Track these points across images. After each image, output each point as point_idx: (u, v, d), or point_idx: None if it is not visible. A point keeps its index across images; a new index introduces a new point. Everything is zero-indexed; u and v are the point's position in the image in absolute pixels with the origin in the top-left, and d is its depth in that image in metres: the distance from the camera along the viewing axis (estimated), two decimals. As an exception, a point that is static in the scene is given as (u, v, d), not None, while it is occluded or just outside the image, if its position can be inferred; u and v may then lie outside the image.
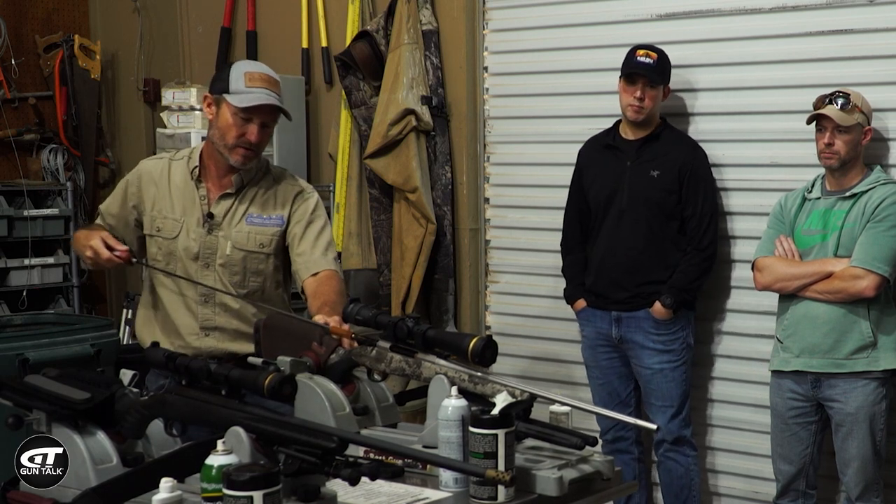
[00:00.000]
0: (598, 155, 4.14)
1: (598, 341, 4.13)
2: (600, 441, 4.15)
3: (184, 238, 3.02)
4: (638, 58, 3.94)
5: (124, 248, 2.91)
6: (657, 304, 3.95)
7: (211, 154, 3.04)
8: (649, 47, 3.97)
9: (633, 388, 4.15)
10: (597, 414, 2.30)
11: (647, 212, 3.98)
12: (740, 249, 4.10)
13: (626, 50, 4.27)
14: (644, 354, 4.02)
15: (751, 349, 4.09)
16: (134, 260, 2.95)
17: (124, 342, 5.01)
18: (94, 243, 2.90)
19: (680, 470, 4.06)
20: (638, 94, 3.93)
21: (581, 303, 4.16)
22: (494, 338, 2.26)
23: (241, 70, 2.96)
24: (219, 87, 2.96)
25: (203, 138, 4.98)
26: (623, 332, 4.04)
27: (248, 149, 2.95)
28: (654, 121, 4.03)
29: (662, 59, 3.96)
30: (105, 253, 2.88)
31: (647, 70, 3.92)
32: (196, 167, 3.04)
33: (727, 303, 4.17)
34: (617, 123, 4.12)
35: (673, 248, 4.00)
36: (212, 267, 3.01)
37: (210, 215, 3.02)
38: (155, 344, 2.41)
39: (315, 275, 2.96)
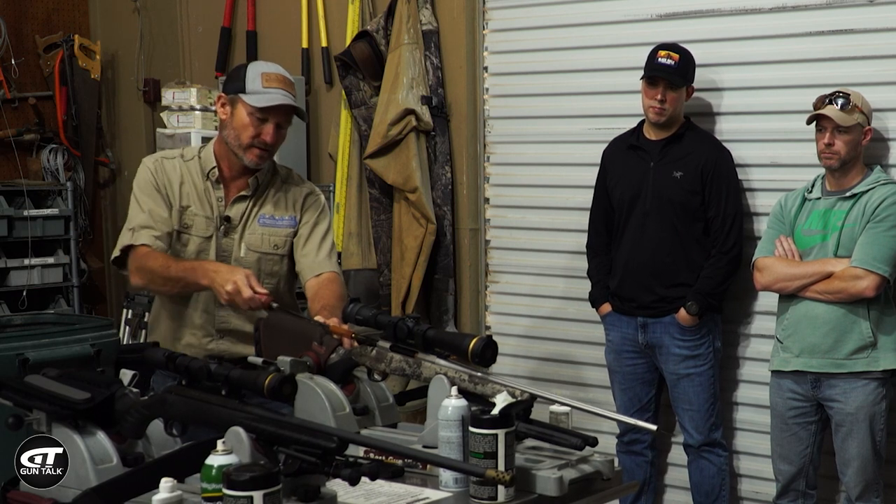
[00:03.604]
0: (622, 156, 4.10)
1: (623, 346, 4.10)
2: (616, 441, 4.18)
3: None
4: (659, 59, 3.88)
5: (265, 291, 2.73)
6: (682, 312, 3.92)
7: (224, 155, 3.02)
8: (672, 47, 3.91)
9: (655, 393, 4.14)
10: (596, 414, 2.29)
11: (672, 213, 3.95)
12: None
13: (626, 50, 4.27)
14: (671, 359, 3.99)
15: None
16: (274, 305, 2.72)
17: (124, 342, 5.01)
18: (238, 279, 2.71)
19: (712, 469, 4.04)
20: (659, 96, 3.89)
21: (606, 307, 4.13)
22: (494, 338, 2.26)
23: (257, 70, 2.96)
24: (234, 86, 2.95)
25: (203, 139, 5.03)
26: (649, 337, 4.02)
27: (264, 149, 2.94)
28: (677, 121, 3.99)
29: (685, 59, 3.91)
30: (247, 292, 2.69)
31: (667, 72, 3.87)
32: (214, 167, 3.01)
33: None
34: (641, 123, 4.08)
35: (698, 249, 3.96)
36: None
37: (227, 218, 3.00)
38: (155, 344, 2.41)
39: (318, 276, 2.97)
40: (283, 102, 2.92)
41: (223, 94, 2.99)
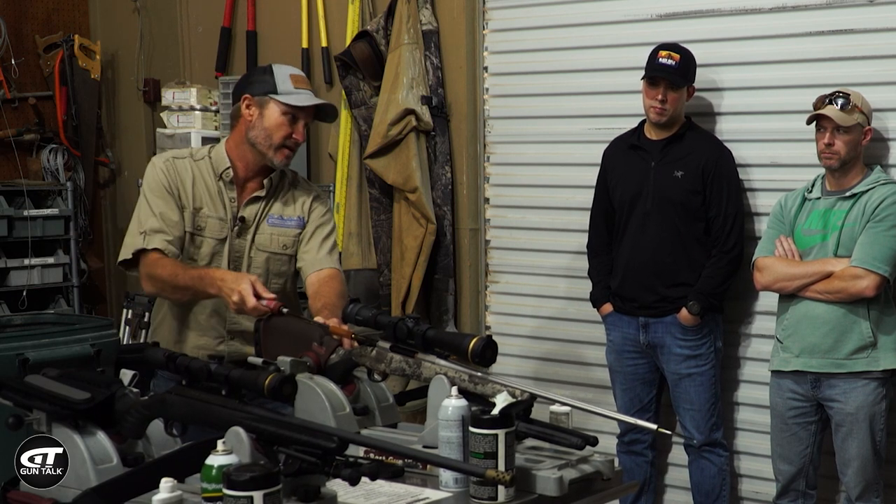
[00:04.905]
0: (623, 155, 4.10)
1: (624, 346, 4.10)
2: (616, 441, 4.18)
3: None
4: (660, 59, 3.88)
5: (272, 296, 2.70)
6: (684, 311, 3.92)
7: (241, 156, 3.01)
8: (672, 47, 3.91)
9: (656, 394, 4.15)
10: (597, 414, 2.29)
11: (673, 213, 3.95)
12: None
13: (626, 50, 4.27)
14: (672, 359, 3.99)
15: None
16: (284, 310, 2.68)
17: (124, 342, 5.01)
18: (242, 288, 2.68)
19: (712, 469, 4.05)
20: (660, 96, 3.89)
21: (608, 307, 4.13)
22: (494, 338, 2.26)
23: (285, 72, 3.00)
24: (262, 88, 2.97)
25: (203, 139, 5.03)
26: (651, 337, 4.02)
27: (292, 149, 2.99)
28: (678, 121, 3.99)
29: (686, 59, 3.91)
30: (252, 301, 2.66)
31: (668, 72, 3.87)
32: (228, 167, 3.01)
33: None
34: (641, 123, 4.08)
35: (699, 249, 3.96)
36: (239, 269, 2.99)
37: (242, 219, 3.00)
38: (155, 344, 2.41)
39: (319, 272, 2.98)
40: (318, 102, 3.00)
41: (249, 96, 2.97)
